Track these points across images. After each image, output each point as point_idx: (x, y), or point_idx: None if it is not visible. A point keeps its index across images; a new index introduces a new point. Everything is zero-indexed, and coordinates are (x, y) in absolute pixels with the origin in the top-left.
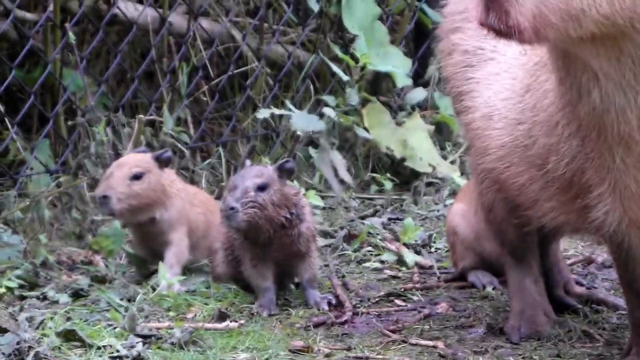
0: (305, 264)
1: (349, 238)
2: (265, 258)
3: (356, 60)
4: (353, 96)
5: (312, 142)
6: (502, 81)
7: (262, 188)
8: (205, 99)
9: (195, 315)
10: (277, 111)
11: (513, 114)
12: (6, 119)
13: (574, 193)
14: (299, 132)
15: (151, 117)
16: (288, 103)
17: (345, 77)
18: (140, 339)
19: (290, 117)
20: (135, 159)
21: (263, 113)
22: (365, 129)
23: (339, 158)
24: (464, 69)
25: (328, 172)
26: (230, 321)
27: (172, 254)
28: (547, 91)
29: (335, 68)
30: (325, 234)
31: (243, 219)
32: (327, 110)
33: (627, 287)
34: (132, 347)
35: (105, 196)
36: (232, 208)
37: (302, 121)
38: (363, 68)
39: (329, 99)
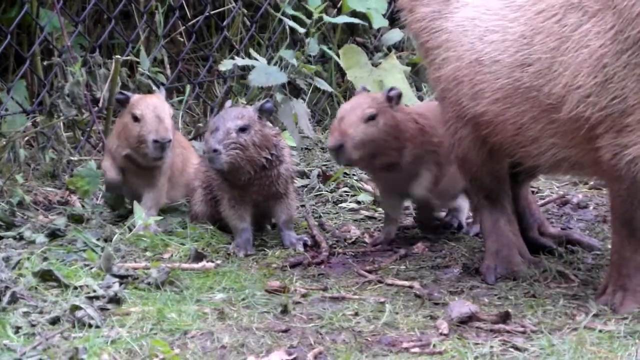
0: (283, 205)
1: (325, 178)
2: (243, 199)
3: (310, 15)
4: (313, 47)
5: (290, 83)
6: (485, 25)
7: (243, 129)
8: (181, 39)
9: (172, 255)
10: (240, 62)
11: (511, 57)
12: None
13: (587, 130)
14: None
15: (128, 58)
16: (253, 52)
17: (301, 30)
18: (116, 279)
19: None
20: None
21: (226, 65)
22: (341, 70)
23: (302, 108)
24: (431, 22)
25: (289, 123)
26: (207, 261)
27: (150, 196)
28: (587, 31)
29: (289, 22)
30: (301, 175)
31: (226, 161)
32: (290, 60)
33: (623, 225)
34: (109, 287)
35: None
36: (215, 150)
37: (261, 75)
38: (318, 21)
39: (286, 53)
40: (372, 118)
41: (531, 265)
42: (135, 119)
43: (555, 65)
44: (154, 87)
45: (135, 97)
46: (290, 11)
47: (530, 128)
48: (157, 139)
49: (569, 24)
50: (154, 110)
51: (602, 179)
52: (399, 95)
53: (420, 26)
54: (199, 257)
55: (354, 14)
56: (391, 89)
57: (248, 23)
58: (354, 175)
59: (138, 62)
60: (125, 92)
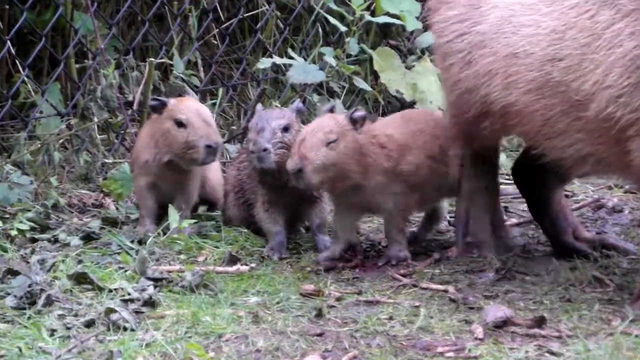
0: (316, 208)
1: None
2: (277, 202)
3: (353, 12)
4: (353, 46)
5: (322, 85)
6: (519, 19)
7: (286, 129)
8: (215, 42)
9: (206, 258)
10: (278, 60)
11: (543, 51)
12: (17, 62)
13: (617, 132)
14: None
15: (161, 61)
16: (291, 52)
17: (343, 28)
18: (151, 282)
19: (289, 68)
20: None
21: (264, 63)
22: (374, 73)
23: (339, 109)
24: (455, 24)
25: None
26: (241, 264)
27: (183, 198)
28: (620, 30)
29: (332, 19)
30: None
31: (274, 160)
32: (329, 59)
33: None
34: (144, 290)
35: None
36: (265, 149)
37: (299, 73)
38: (360, 19)
39: (326, 50)
40: (332, 142)
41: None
42: (180, 124)
43: (585, 62)
44: (188, 90)
45: (173, 102)
46: (334, 6)
47: (558, 121)
48: (209, 144)
49: (601, 21)
50: (200, 114)
51: (631, 181)
52: (363, 118)
53: (443, 27)
54: (233, 260)
55: (387, 16)
56: (355, 110)
57: (281, 25)
58: None
59: (171, 65)
60: (159, 97)
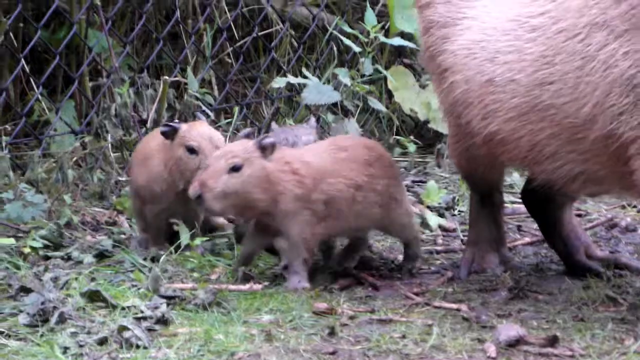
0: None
1: None
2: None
3: (367, 33)
4: (367, 66)
5: (336, 104)
6: (495, 46)
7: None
8: (229, 60)
9: (219, 276)
10: (292, 80)
11: (529, 77)
12: (31, 80)
13: (617, 148)
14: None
15: (175, 79)
16: (305, 71)
17: (357, 49)
18: (164, 300)
19: (304, 88)
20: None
21: (279, 82)
22: (389, 92)
23: (353, 128)
24: (442, 42)
25: None
26: (254, 283)
27: (193, 216)
28: (614, 51)
29: (347, 41)
30: None
31: None
32: (343, 79)
33: None
34: (156, 307)
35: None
36: None
37: (314, 93)
38: (374, 40)
39: (340, 72)
40: (236, 169)
41: (502, 265)
42: (192, 151)
43: (581, 85)
44: (198, 114)
45: (185, 128)
46: (347, 29)
47: (547, 145)
48: None
49: (593, 43)
50: (211, 140)
51: (632, 198)
52: (273, 145)
53: (430, 49)
54: (246, 278)
55: (401, 34)
56: (264, 137)
57: (295, 44)
58: None
59: (186, 83)
60: (171, 123)
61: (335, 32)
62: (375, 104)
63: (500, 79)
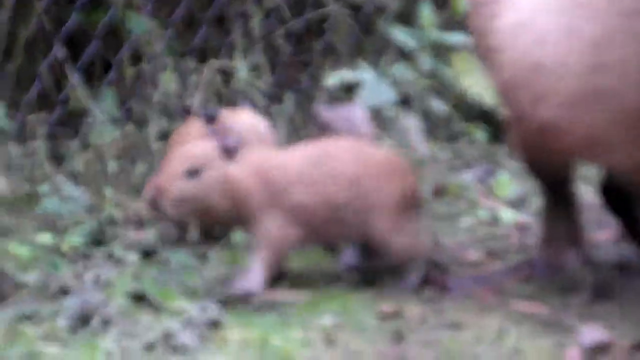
0: None
1: (440, 193)
2: None
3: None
4: (425, 60)
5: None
6: (543, 25)
7: None
8: (280, 44)
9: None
10: (347, 76)
11: (582, 60)
12: (68, 65)
13: None
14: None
15: (223, 63)
16: (361, 63)
17: (411, 45)
18: (215, 302)
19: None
20: None
21: (333, 79)
22: (452, 83)
23: (413, 122)
24: (490, 20)
25: (401, 138)
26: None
27: None
28: None
29: (400, 36)
30: None
31: None
32: (401, 73)
33: None
34: (207, 310)
35: None
36: None
37: (372, 93)
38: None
39: (398, 68)
40: (194, 173)
41: (581, 263)
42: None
43: None
44: (243, 102)
45: (225, 115)
46: (400, 33)
47: (605, 133)
48: None
49: None
50: (254, 130)
51: None
52: (236, 147)
53: (478, 28)
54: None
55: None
56: (226, 138)
57: (351, 27)
58: (470, 189)
59: (234, 68)
60: (211, 108)
61: (385, 29)
62: (436, 102)
63: (550, 61)
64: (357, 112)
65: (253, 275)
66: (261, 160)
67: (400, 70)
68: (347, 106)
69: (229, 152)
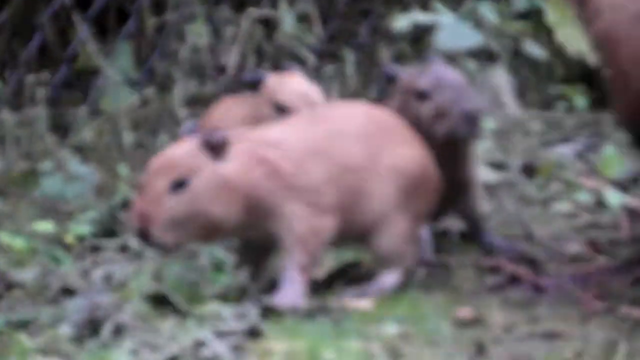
0: (472, 194)
1: (530, 171)
2: None
3: None
4: None
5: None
6: None
7: None
8: None
9: (328, 274)
10: (420, 17)
11: None
12: (75, 14)
13: None
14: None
15: (264, 13)
16: (437, 3)
17: None
18: (255, 306)
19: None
20: None
21: (402, 21)
22: (549, 30)
23: (503, 78)
24: None
25: (487, 98)
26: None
27: None
28: None
29: None
30: (498, 166)
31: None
32: (488, 16)
33: None
34: (245, 316)
35: None
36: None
37: (450, 36)
38: None
39: (483, 5)
40: (181, 185)
41: None
42: (281, 109)
43: None
44: (289, 65)
45: (273, 80)
46: None
47: None
48: None
49: None
50: (306, 97)
51: None
52: (224, 140)
53: None
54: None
55: None
56: (209, 132)
57: None
58: (568, 167)
59: (277, 19)
60: (253, 72)
61: None
62: (531, 46)
63: None
64: (448, 73)
65: (292, 287)
66: (252, 145)
67: (486, 8)
68: (433, 65)
69: (216, 150)
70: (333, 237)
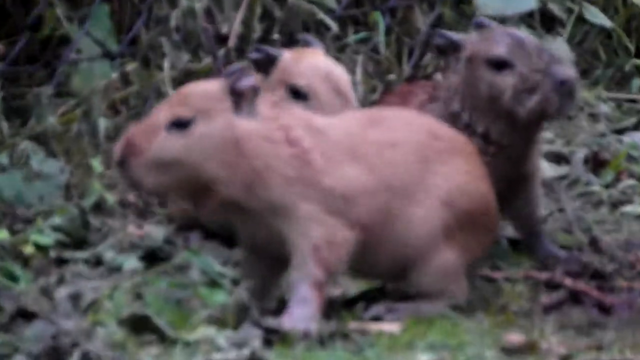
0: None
1: (597, 165)
2: None
3: None
4: None
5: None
6: None
7: None
8: None
9: (344, 293)
10: None
11: None
12: None
13: None
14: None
15: None
16: None
17: None
18: (257, 331)
19: None
20: None
21: None
22: None
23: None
24: None
25: None
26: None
27: None
28: None
29: None
30: (558, 159)
31: None
32: None
33: None
34: (245, 343)
35: None
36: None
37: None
38: None
39: None
40: (182, 125)
41: None
42: (298, 94)
43: None
44: (307, 38)
45: (287, 58)
46: None
47: None
48: None
49: None
50: (328, 78)
51: None
52: (255, 90)
53: None
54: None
55: None
56: (239, 74)
57: None
58: None
59: None
60: (266, 48)
61: None
62: (595, 15)
63: None
64: (527, 36)
65: (303, 306)
66: (293, 119)
67: None
68: (498, 28)
69: (241, 97)
70: (359, 265)
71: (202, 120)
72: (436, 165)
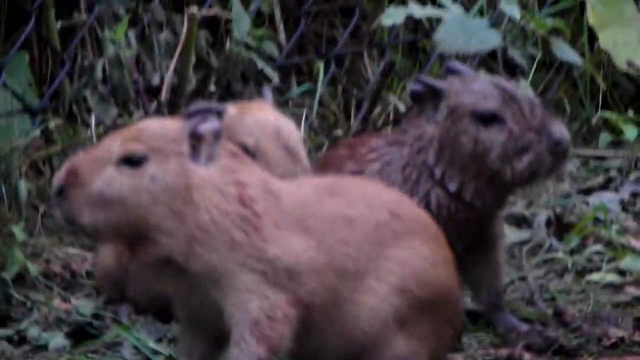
0: (495, 258)
1: (561, 229)
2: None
3: None
4: None
5: (495, 54)
6: None
7: None
8: None
9: None
10: (417, 12)
11: None
12: None
13: None
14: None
15: (210, 12)
16: None
17: None
18: None
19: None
20: None
21: (393, 16)
22: (590, 32)
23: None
24: None
25: None
26: None
27: None
28: None
29: None
30: (519, 222)
31: None
32: (508, 10)
33: None
34: None
35: None
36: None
37: (456, 34)
38: None
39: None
40: (134, 162)
41: None
42: (246, 151)
43: None
44: (265, 90)
45: (234, 113)
46: None
47: None
48: None
49: None
50: (278, 135)
51: None
52: (217, 134)
53: None
54: None
55: None
56: (202, 112)
57: None
58: (612, 223)
59: (229, 21)
60: (208, 104)
61: None
62: (565, 52)
63: None
64: (512, 87)
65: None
66: (251, 177)
67: (508, 5)
68: (481, 75)
69: (199, 142)
70: (305, 347)
71: (155, 160)
72: (392, 249)
